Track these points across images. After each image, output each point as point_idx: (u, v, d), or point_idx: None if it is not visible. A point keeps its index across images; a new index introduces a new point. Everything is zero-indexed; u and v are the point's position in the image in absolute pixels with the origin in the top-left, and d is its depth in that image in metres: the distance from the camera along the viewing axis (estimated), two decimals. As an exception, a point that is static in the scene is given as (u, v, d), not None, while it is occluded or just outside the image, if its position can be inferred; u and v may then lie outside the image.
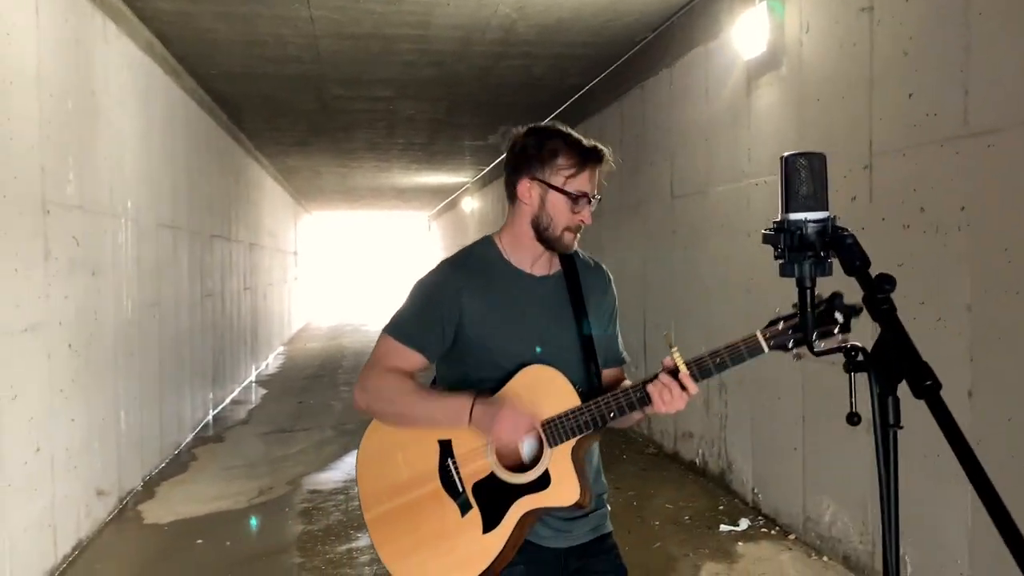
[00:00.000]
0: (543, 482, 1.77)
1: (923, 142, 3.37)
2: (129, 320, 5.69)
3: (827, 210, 1.01)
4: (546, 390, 1.79)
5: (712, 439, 5.46)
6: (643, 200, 6.65)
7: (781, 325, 1.64)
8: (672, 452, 6.16)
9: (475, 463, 1.80)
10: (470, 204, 16.70)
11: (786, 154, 1.06)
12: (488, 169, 14.34)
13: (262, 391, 10.45)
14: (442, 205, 21.71)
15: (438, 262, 1.99)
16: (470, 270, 1.91)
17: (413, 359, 1.88)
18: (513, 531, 1.77)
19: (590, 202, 1.86)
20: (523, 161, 1.89)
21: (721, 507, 4.97)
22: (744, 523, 4.62)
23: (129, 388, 5.68)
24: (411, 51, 6.91)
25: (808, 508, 4.29)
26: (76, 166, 4.70)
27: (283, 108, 9.31)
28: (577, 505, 1.77)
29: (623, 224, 7.15)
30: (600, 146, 1.87)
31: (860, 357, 1.10)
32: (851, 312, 1.52)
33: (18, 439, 3.85)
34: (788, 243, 1.01)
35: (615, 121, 7.38)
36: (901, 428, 1.07)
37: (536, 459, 1.79)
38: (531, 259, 1.92)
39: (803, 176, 1.00)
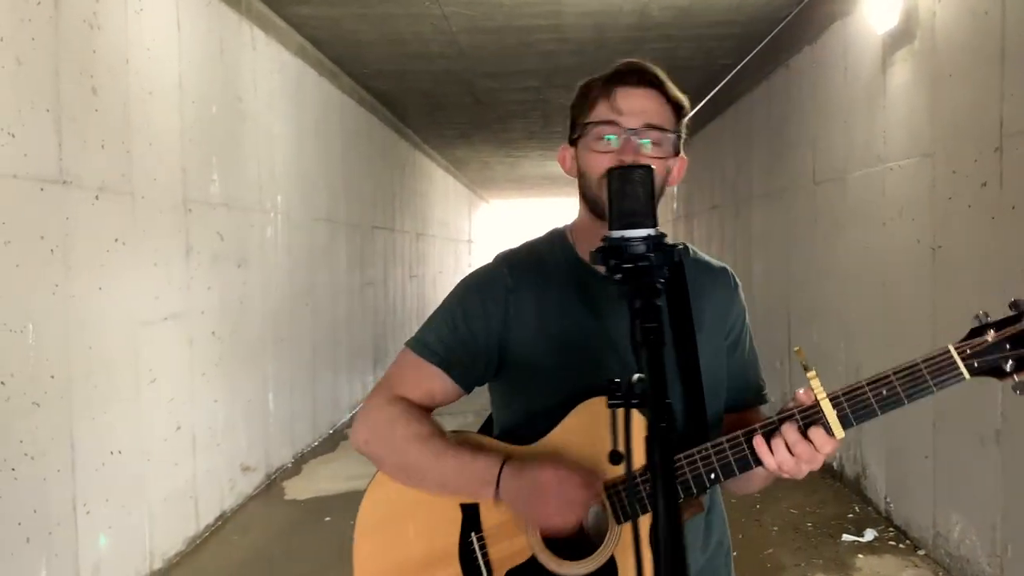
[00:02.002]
0: (607, 574, 1.23)
1: (1054, 121, 2.98)
2: (279, 308, 6.09)
3: (653, 227, 0.91)
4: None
5: (849, 442, 5.10)
6: (787, 187, 6.30)
7: (991, 336, 1.12)
8: (812, 453, 5.82)
9: (509, 541, 1.29)
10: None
11: (610, 167, 0.97)
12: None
13: (424, 375, 10.87)
14: (616, 191, 21.56)
15: (494, 256, 1.49)
16: (524, 266, 1.41)
17: (437, 383, 1.38)
18: None
19: (635, 133, 1.30)
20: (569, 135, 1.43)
21: (851, 515, 4.65)
22: (870, 534, 4.30)
23: (279, 371, 6.09)
24: (548, 41, 6.91)
25: (938, 522, 3.93)
26: (220, 167, 5.08)
27: (439, 103, 9.59)
28: None
29: (770, 213, 6.81)
30: (626, 61, 1.37)
31: (619, 392, 0.99)
32: None
33: (157, 418, 4.24)
34: (605, 261, 0.92)
35: (763, 103, 7.03)
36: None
37: (600, 532, 1.25)
38: None
39: (627, 191, 0.92)
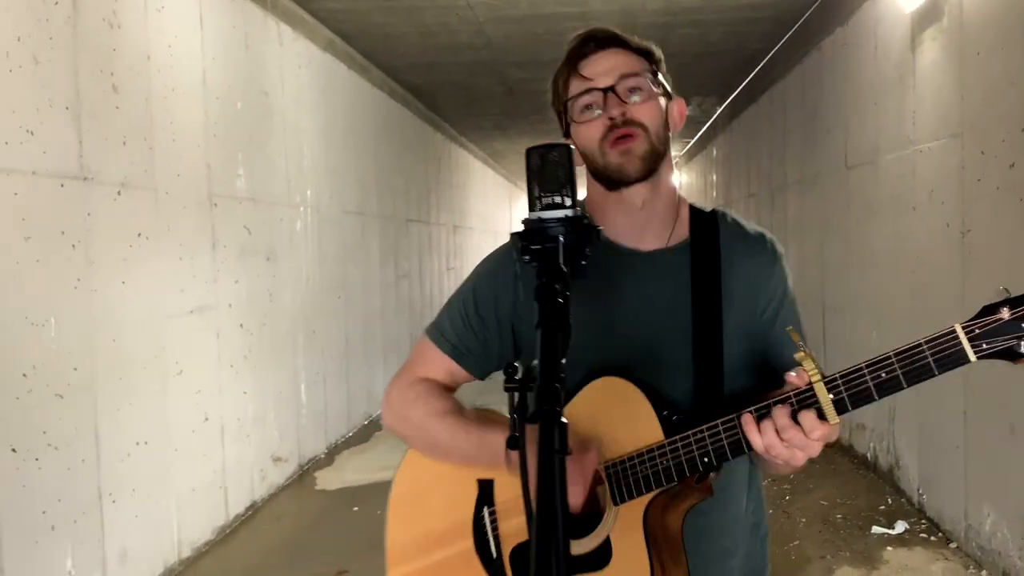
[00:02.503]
0: (601, 557, 1.22)
1: (1081, 97, 2.86)
2: (310, 301, 6.15)
3: (572, 208, 0.88)
4: (617, 414, 1.23)
5: (882, 432, 4.99)
6: (821, 172, 6.17)
7: (1007, 314, 1.01)
8: (847, 444, 5.71)
9: (519, 517, 1.26)
10: (677, 178, 16.33)
11: (528, 147, 0.94)
12: (692, 142, 13.94)
13: (462, 367, 10.91)
14: (658, 181, 21.41)
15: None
16: None
17: (449, 369, 1.39)
18: None
19: (611, 91, 1.26)
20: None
21: (883, 507, 4.54)
22: (901, 526, 4.20)
23: (310, 364, 6.16)
24: (575, 29, 6.79)
25: (969, 514, 3.82)
26: (246, 162, 5.14)
27: (473, 94, 9.59)
28: None
29: (804, 200, 6.68)
30: (579, 32, 1.35)
31: (518, 376, 0.96)
32: None
33: (184, 409, 4.31)
34: (524, 243, 0.89)
35: (796, 88, 6.89)
36: (569, 454, 0.89)
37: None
38: (635, 227, 1.33)
39: (546, 172, 0.89)
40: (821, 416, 1.09)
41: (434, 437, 1.34)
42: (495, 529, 1.29)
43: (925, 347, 1.05)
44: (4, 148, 3.03)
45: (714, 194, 11.84)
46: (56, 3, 3.35)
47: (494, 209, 17.07)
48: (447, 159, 11.79)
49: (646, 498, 1.20)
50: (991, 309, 1.04)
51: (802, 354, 1.09)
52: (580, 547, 1.22)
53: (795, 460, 1.13)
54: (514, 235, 0.93)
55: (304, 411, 6.03)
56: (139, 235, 3.91)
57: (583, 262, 0.90)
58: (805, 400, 1.10)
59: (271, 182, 5.52)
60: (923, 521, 4.26)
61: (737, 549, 1.34)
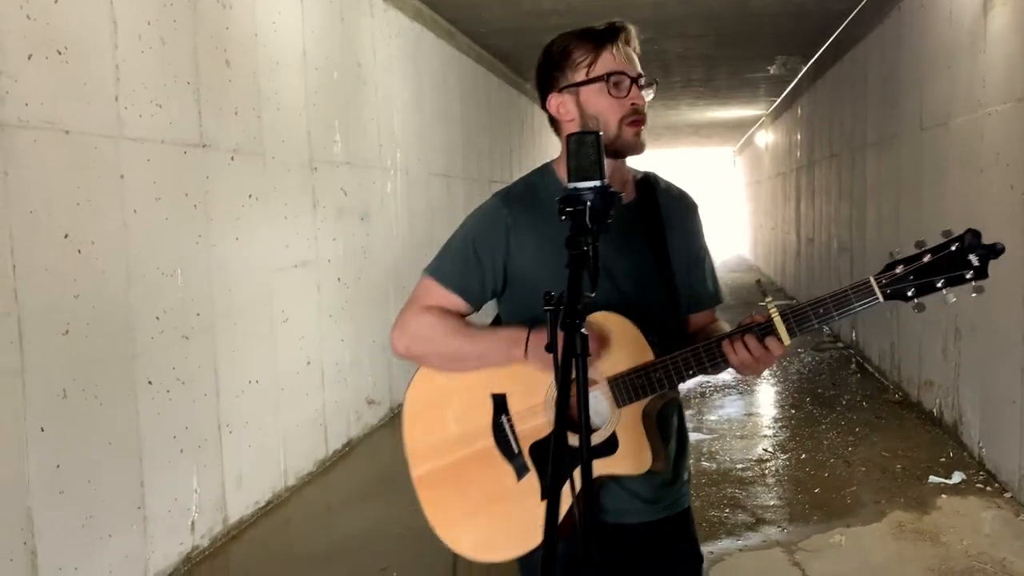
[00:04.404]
0: (610, 446, 1.55)
1: None
2: (401, 257, 6.57)
3: (599, 180, 1.19)
4: (615, 341, 1.55)
5: (948, 388, 5.12)
6: (897, 134, 6.22)
7: (900, 269, 1.45)
8: (916, 401, 5.84)
9: (533, 421, 1.59)
10: (764, 138, 16.16)
11: (569, 133, 1.25)
12: (779, 101, 13.80)
13: (543, 323, 11.27)
14: (744, 139, 21.15)
15: (493, 194, 1.74)
16: (520, 203, 1.66)
17: (453, 303, 1.66)
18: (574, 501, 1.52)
19: (635, 81, 1.59)
20: (543, 79, 1.68)
21: (943, 459, 4.71)
22: (957, 477, 4.37)
23: (400, 316, 6.58)
24: (658, -7, 7.01)
25: (1023, 466, 3.98)
26: (342, 128, 5.55)
27: (556, 57, 9.78)
28: (651, 472, 1.57)
29: (881, 161, 6.72)
30: (615, 21, 1.62)
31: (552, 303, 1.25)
32: (989, 254, 1.42)
33: (289, 353, 4.79)
34: (567, 209, 1.21)
35: (877, 48, 6.89)
36: (589, 356, 1.17)
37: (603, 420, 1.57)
38: None
39: (582, 152, 1.19)
40: (778, 338, 1.52)
41: (455, 346, 1.62)
42: (513, 431, 1.60)
43: (850, 292, 1.48)
44: (138, 120, 3.48)
45: (798, 153, 11.78)
46: (179, -11, 3.77)
47: (578, 169, 17.26)
48: (530, 122, 12.05)
49: (644, 400, 1.56)
50: (891, 266, 1.47)
51: (770, 299, 1.56)
52: (594, 439, 1.52)
53: (758, 371, 1.56)
54: (559, 201, 1.24)
55: (396, 359, 6.46)
56: (250, 196, 4.36)
57: (608, 220, 1.22)
58: (766, 328, 1.53)
59: (364, 147, 5.93)
60: (981, 473, 4.42)
61: (679, 442, 1.76)
